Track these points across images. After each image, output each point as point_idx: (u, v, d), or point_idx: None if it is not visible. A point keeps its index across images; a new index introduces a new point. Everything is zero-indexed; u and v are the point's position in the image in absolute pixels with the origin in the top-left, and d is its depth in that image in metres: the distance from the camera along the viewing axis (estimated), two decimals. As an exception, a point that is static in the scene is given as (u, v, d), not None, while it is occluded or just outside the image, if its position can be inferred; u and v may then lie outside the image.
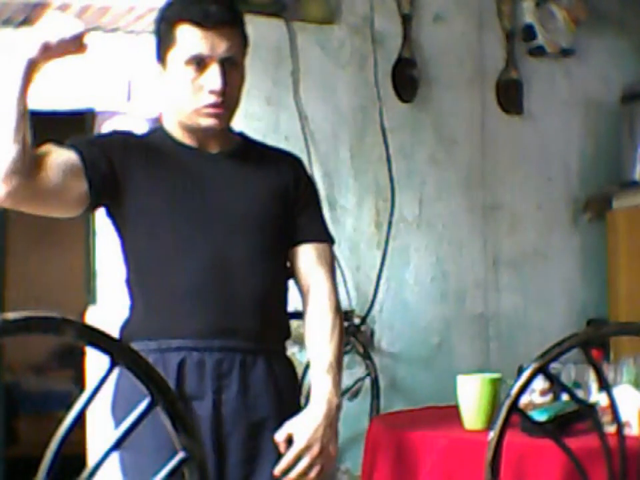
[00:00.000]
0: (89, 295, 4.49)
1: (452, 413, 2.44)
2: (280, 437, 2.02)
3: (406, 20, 3.66)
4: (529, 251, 3.86)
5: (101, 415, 3.84)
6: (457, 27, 3.79)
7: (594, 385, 2.39)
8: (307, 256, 2.16)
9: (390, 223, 3.60)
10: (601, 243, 3.90)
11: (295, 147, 3.46)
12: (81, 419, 1.19)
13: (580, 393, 2.29)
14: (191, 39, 2.05)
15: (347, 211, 3.56)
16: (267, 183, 2.16)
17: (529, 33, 3.85)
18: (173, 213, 2.07)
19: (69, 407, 1.20)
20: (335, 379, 2.07)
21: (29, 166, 1.91)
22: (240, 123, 3.37)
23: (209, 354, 2.02)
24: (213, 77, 2.05)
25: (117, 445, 1.21)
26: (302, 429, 2.01)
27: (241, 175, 2.16)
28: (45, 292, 7.24)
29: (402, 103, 3.66)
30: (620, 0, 4.06)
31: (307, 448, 2.00)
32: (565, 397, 2.37)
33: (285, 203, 2.16)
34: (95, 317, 4.29)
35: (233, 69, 2.09)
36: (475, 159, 3.80)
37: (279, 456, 2.03)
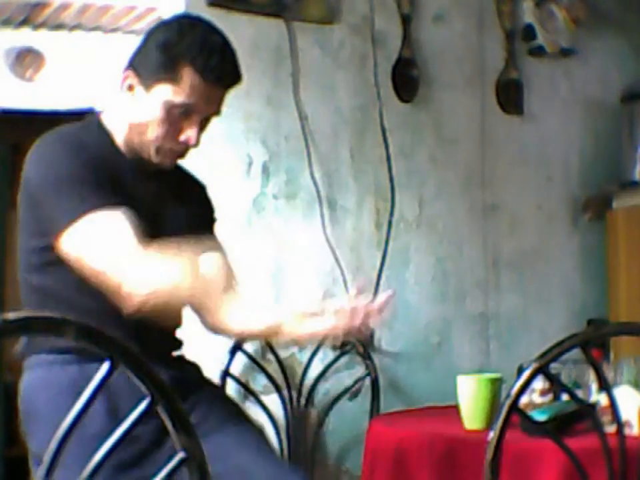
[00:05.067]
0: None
1: (452, 413, 2.44)
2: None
3: (406, 20, 3.66)
4: (528, 251, 3.86)
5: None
6: (457, 27, 3.79)
7: (594, 385, 2.39)
8: None
9: (390, 223, 3.60)
10: (601, 242, 3.90)
11: (295, 147, 3.47)
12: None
13: (580, 393, 2.29)
14: (192, 87, 1.97)
15: (347, 211, 3.56)
16: (189, 208, 2.15)
17: (529, 33, 3.85)
18: None
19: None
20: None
21: None
22: (240, 123, 3.38)
23: None
24: (192, 132, 2.00)
25: (117, 445, 1.21)
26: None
27: (170, 195, 2.12)
28: (45, 292, 7.23)
29: (402, 103, 3.66)
30: (620, 0, 4.06)
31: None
32: (565, 397, 2.37)
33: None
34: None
35: (205, 127, 2.05)
36: (475, 159, 3.80)
37: None
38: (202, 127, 2.03)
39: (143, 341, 1.87)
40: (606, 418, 2.01)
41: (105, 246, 1.86)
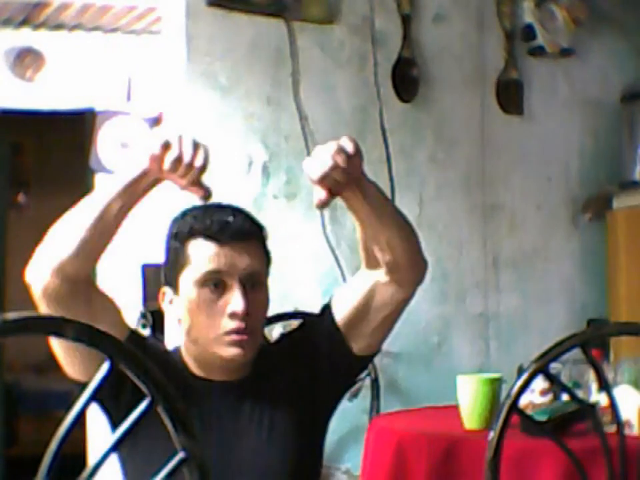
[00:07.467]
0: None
1: (452, 413, 2.44)
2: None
3: (406, 20, 3.66)
4: (528, 251, 3.86)
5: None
6: (457, 27, 3.79)
7: (594, 385, 2.39)
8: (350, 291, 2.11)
9: (390, 223, 3.59)
10: (601, 242, 3.90)
11: (295, 147, 3.46)
12: (81, 418, 1.19)
13: (580, 393, 2.29)
14: (205, 255, 1.82)
15: (347, 211, 3.55)
16: (286, 408, 1.91)
17: (529, 33, 3.85)
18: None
19: (69, 407, 1.20)
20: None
21: (82, 279, 1.78)
22: (240, 123, 3.38)
23: None
24: (234, 297, 1.81)
25: (117, 445, 1.21)
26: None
27: (256, 410, 1.89)
28: (44, 292, 7.23)
29: (402, 103, 3.65)
30: (620, 0, 4.06)
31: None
32: (565, 397, 2.37)
33: (314, 403, 1.95)
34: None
35: (255, 289, 1.86)
36: (475, 159, 3.80)
37: None
38: (248, 293, 1.83)
39: None
40: (606, 418, 2.01)
41: None
